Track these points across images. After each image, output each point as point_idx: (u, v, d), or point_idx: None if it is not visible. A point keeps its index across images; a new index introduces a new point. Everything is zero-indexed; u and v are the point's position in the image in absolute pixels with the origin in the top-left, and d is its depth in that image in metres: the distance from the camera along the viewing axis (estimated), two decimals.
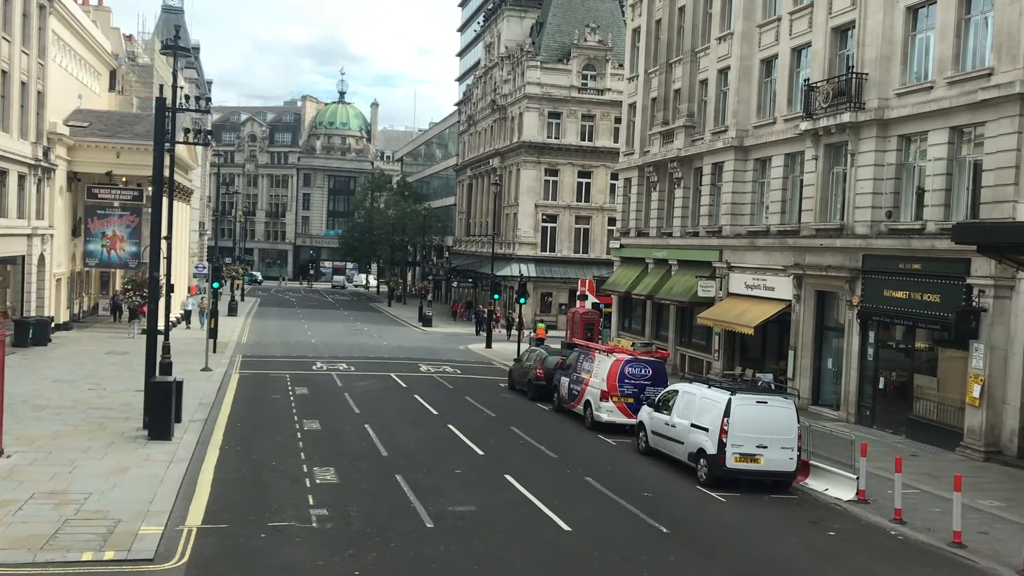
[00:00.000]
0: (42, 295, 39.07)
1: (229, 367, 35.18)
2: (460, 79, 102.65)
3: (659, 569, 13.91)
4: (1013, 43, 22.16)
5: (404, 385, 33.16)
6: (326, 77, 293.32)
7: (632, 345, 28.57)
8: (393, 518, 15.69)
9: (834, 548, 15.60)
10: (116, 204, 43.38)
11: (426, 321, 62.52)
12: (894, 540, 16.25)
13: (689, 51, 39.00)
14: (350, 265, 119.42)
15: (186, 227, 57.05)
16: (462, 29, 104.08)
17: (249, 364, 36.96)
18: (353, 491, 17.45)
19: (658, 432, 21.75)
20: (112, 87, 54.37)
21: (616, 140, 58.05)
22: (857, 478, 18.52)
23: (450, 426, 24.96)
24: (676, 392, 21.64)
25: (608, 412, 25.30)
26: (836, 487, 18.94)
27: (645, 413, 22.68)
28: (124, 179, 43.53)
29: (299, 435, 22.71)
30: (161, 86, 28.48)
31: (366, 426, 24.27)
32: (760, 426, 18.98)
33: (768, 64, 33.76)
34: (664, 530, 15.94)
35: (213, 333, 36.72)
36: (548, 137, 64.91)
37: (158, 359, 22.69)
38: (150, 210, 24.40)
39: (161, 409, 20.33)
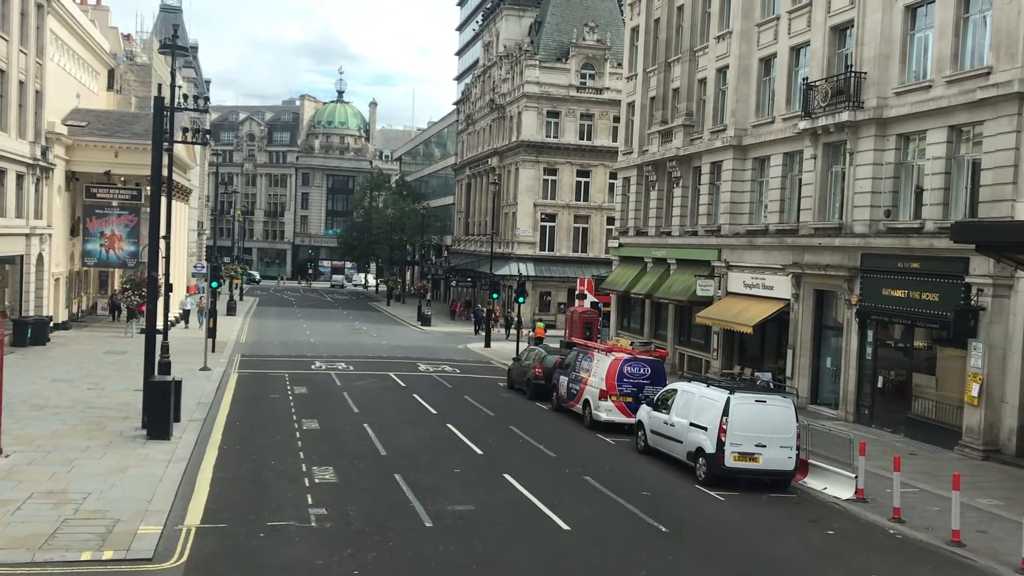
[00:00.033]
0: (40, 295, 39.05)
1: (228, 366, 35.17)
2: (458, 78, 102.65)
3: (658, 568, 13.92)
4: (1012, 42, 22.16)
5: (403, 384, 33.16)
6: (324, 76, 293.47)
7: (631, 344, 28.55)
8: (392, 517, 15.69)
9: (833, 547, 15.61)
10: (114, 203, 43.36)
11: (425, 320, 62.52)
12: (893, 539, 16.26)
13: (688, 50, 39.01)
14: (349, 264, 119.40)
15: (185, 226, 57.04)
16: (460, 28, 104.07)
17: (248, 363, 36.95)
18: (352, 490, 17.45)
19: (657, 431, 21.76)
20: (110, 86, 54.34)
21: (615, 139, 58.06)
22: (856, 477, 18.53)
23: (449, 425, 24.96)
24: (675, 391, 21.64)
25: (607, 411, 25.30)
26: (835, 486, 18.95)
27: (644, 412, 22.69)
28: (122, 178, 43.51)
29: (298, 434, 22.71)
30: (159, 85, 28.41)
31: (365, 425, 24.27)
32: (759, 425, 18.99)
33: (767, 63, 33.77)
34: (663, 529, 15.94)
35: (212, 332, 36.71)
36: (547, 136, 64.91)
37: (157, 358, 22.69)
38: (148, 209, 24.39)
39: (160, 408, 20.32)
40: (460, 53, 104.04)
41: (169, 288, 29.45)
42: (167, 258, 26.41)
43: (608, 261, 52.66)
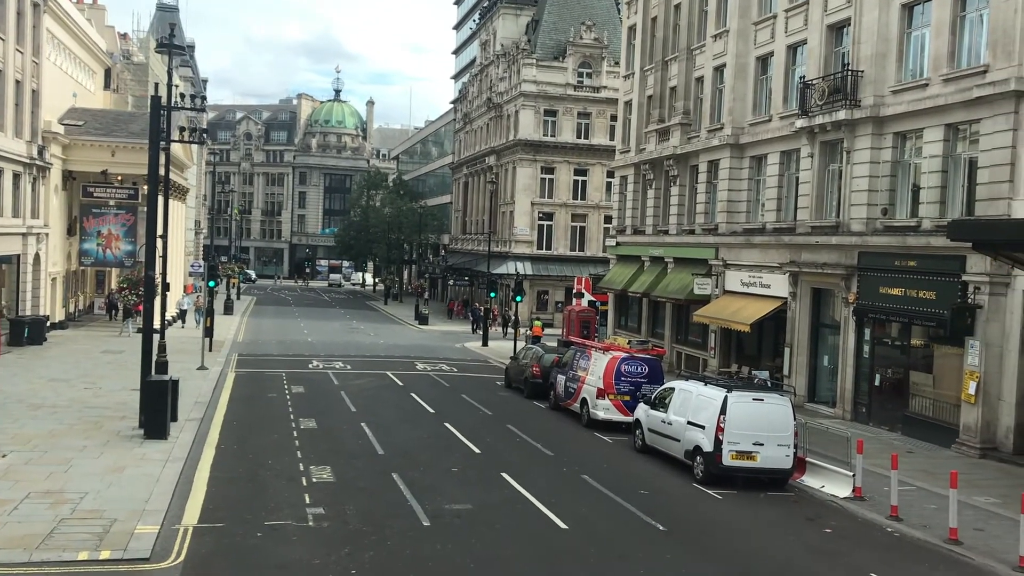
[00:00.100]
0: (37, 294, 39.00)
1: (225, 366, 35.15)
2: (456, 77, 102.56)
3: (655, 566, 13.92)
4: (1008, 40, 22.18)
5: (400, 383, 33.15)
6: (321, 75, 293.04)
7: (628, 343, 28.54)
8: (390, 516, 15.68)
9: (830, 545, 15.62)
10: (111, 203, 43.30)
11: (422, 319, 62.52)
12: (890, 537, 16.28)
13: (685, 48, 39.01)
14: (346, 264, 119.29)
15: (182, 226, 56.99)
16: (458, 27, 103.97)
17: (245, 363, 36.93)
18: (350, 490, 17.44)
19: (654, 430, 21.76)
20: (107, 85, 54.25)
21: (612, 138, 58.04)
22: (853, 475, 18.54)
23: (447, 424, 24.96)
24: (672, 390, 21.64)
25: (604, 410, 25.31)
26: (832, 484, 18.96)
27: (641, 411, 22.70)
28: (119, 178, 43.45)
29: (295, 434, 22.69)
30: (156, 84, 28.40)
31: (362, 424, 24.26)
32: (756, 423, 18.99)
33: (764, 61, 33.77)
34: (660, 528, 15.94)
35: (209, 332, 36.69)
36: (544, 135, 64.90)
37: (154, 358, 22.67)
38: (145, 209, 24.37)
39: (157, 408, 20.31)
40: (457, 52, 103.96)
41: (166, 287, 29.42)
42: (164, 257, 26.40)
43: (605, 260, 52.69)
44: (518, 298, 46.73)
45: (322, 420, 24.73)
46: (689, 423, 20.09)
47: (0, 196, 35.12)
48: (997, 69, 22.44)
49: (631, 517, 16.55)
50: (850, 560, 14.78)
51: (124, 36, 61.77)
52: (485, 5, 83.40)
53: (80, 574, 12.21)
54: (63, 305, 44.47)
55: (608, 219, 56.87)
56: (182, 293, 56.21)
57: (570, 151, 64.62)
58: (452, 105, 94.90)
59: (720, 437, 18.95)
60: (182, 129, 32.45)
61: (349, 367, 37.10)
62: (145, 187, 29.15)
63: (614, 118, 55.73)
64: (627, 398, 25.03)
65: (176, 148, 44.49)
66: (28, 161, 37.26)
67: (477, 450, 21.89)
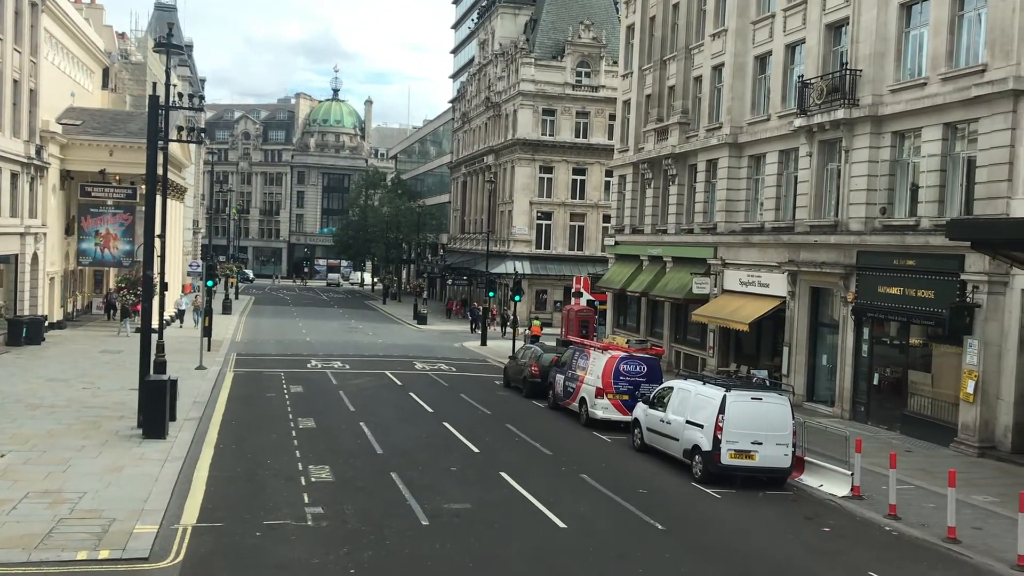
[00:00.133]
0: (35, 294, 38.97)
1: (224, 365, 35.13)
2: (454, 76, 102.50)
3: (654, 566, 13.92)
4: (1007, 39, 22.19)
5: (399, 383, 33.15)
6: (319, 75, 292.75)
7: (627, 342, 28.56)
8: (388, 516, 15.68)
9: (829, 544, 15.63)
10: (109, 202, 43.23)
11: (421, 319, 62.51)
12: (889, 536, 16.29)
13: (683, 48, 39.01)
14: (345, 263, 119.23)
15: (180, 225, 56.95)
16: (456, 26, 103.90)
17: (244, 362, 36.91)
18: (348, 489, 17.44)
19: (653, 429, 21.76)
20: (105, 85, 54.19)
21: (611, 137, 58.04)
22: (852, 474, 18.55)
23: (445, 424, 24.95)
24: (671, 389, 21.65)
25: (603, 409, 25.31)
26: (831, 483, 18.97)
27: (640, 410, 22.70)
28: (117, 177, 43.40)
29: (294, 433, 22.69)
30: (154, 84, 28.36)
31: (361, 424, 24.26)
32: (755, 422, 19.00)
33: (762, 61, 33.78)
34: (659, 527, 15.95)
35: (207, 331, 36.66)
36: (542, 134, 64.90)
37: (152, 357, 22.65)
38: (144, 208, 24.34)
39: (155, 408, 20.29)
40: (455, 51, 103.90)
41: (164, 287, 29.41)
42: (162, 257, 26.37)
43: (604, 259, 52.69)
44: (517, 297, 46.71)
45: (321, 420, 24.72)
46: (688, 422, 20.09)
47: None
48: (995, 68, 22.45)
49: (630, 516, 16.56)
50: (848, 559, 14.79)
51: (122, 35, 61.70)
52: (483, 4, 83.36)
53: (79, 574, 12.20)
54: (61, 305, 44.44)
55: (607, 218, 56.88)
56: (180, 293, 56.17)
57: (568, 150, 64.61)
58: (450, 104, 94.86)
59: (719, 436, 18.96)
60: (180, 129, 32.45)
61: (348, 367, 37.09)
62: (143, 187, 29.11)
63: (612, 117, 55.74)
64: (626, 397, 25.04)
65: (174, 147, 44.47)
66: (26, 161, 37.23)
67: (476, 449, 21.88)
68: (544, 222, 65.02)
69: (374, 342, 48.66)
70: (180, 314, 50.54)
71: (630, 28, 45.68)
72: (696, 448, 19.59)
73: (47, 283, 40.79)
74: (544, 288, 64.40)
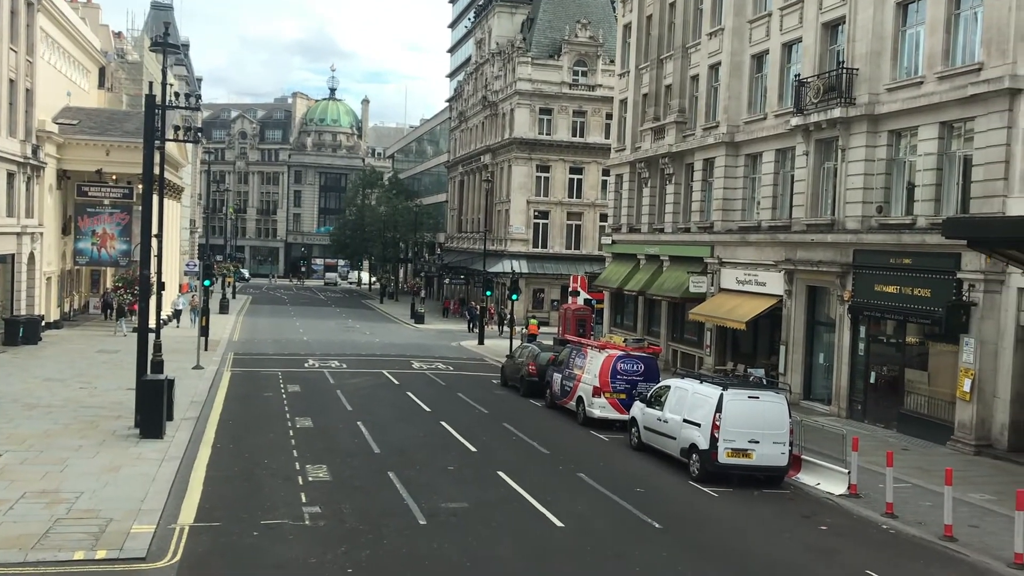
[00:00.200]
0: (32, 294, 38.92)
1: (221, 365, 35.11)
2: (451, 75, 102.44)
3: (651, 565, 13.93)
4: (1003, 38, 22.22)
5: (396, 382, 33.14)
6: (316, 74, 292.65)
7: (624, 341, 28.58)
8: (386, 515, 15.68)
9: (826, 542, 15.65)
10: (106, 202, 43.20)
11: (418, 318, 62.49)
12: (886, 534, 16.32)
13: (680, 47, 39.03)
14: (342, 262, 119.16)
15: (177, 225, 56.88)
16: (453, 25, 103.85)
17: (241, 362, 36.89)
18: (346, 488, 17.43)
19: (650, 428, 21.78)
20: (101, 84, 54.13)
21: (607, 136, 58.07)
22: (849, 472, 18.58)
23: (443, 423, 24.96)
24: (668, 388, 21.66)
25: (600, 408, 25.32)
26: (828, 482, 18.99)
27: (637, 409, 22.72)
28: (114, 177, 43.37)
29: (291, 433, 22.68)
30: (151, 83, 28.35)
31: (359, 423, 24.25)
32: (752, 421, 19.02)
33: (759, 60, 33.80)
34: (656, 525, 15.96)
35: (204, 331, 36.62)
36: (539, 133, 64.90)
37: (149, 357, 22.63)
38: (140, 208, 24.32)
39: (153, 407, 20.27)
40: (452, 50, 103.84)
41: (161, 287, 29.38)
42: (159, 256, 26.34)
43: (601, 258, 52.69)
44: (514, 296, 46.73)
45: (318, 419, 24.72)
46: (685, 421, 20.11)
47: None
48: (991, 67, 22.48)
49: (627, 515, 16.57)
50: (845, 557, 14.81)
51: (118, 35, 61.61)
52: (480, 3, 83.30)
53: (76, 574, 12.19)
54: (58, 305, 44.38)
55: (604, 217, 56.86)
56: (177, 292, 56.11)
57: (565, 149, 64.62)
58: (447, 103, 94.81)
59: (716, 435, 18.98)
60: (177, 128, 32.44)
61: (345, 366, 37.08)
62: (140, 186, 29.10)
63: (609, 116, 55.75)
64: (623, 396, 25.06)
65: (171, 147, 44.39)
66: (22, 160, 37.17)
67: (473, 448, 21.89)
68: (541, 221, 65.02)
69: (371, 341, 48.64)
70: (177, 314, 50.50)
71: (627, 27, 45.69)
72: (693, 447, 19.61)
73: (44, 283, 40.73)
74: (541, 287, 64.41)
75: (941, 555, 15.11)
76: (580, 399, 26.28)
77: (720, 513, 17.28)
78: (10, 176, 36.44)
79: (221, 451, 20.24)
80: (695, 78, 38.10)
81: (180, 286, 59.25)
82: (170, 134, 29.67)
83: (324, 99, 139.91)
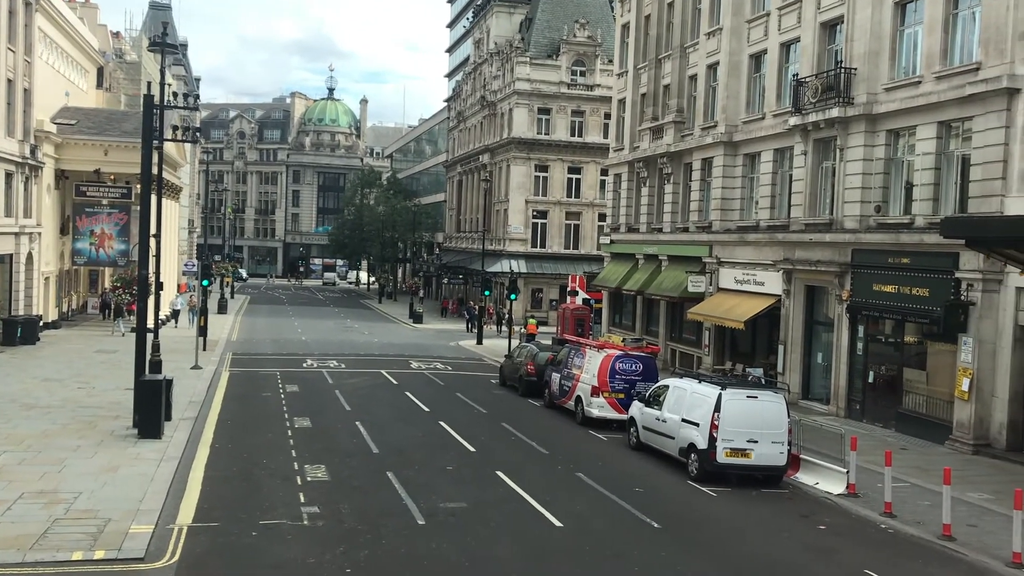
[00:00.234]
0: (30, 294, 38.89)
1: (219, 365, 35.09)
2: (449, 75, 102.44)
3: (650, 564, 13.94)
4: (1001, 37, 22.24)
5: (395, 382, 33.13)
6: (315, 74, 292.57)
7: (623, 341, 28.57)
8: (384, 515, 15.68)
9: (825, 542, 15.66)
10: (104, 202, 43.17)
11: (417, 318, 62.46)
12: (884, 533, 16.33)
13: (678, 47, 39.03)
14: (340, 262, 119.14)
15: (175, 225, 56.83)
16: (451, 25, 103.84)
17: (239, 362, 36.87)
18: (344, 488, 17.43)
19: (649, 427, 21.78)
20: (100, 84, 54.09)
21: (606, 136, 58.09)
22: (847, 472, 18.59)
23: (441, 423, 24.95)
24: (667, 387, 21.67)
25: (599, 408, 25.33)
26: (826, 481, 19.00)
27: (636, 408, 22.72)
28: (112, 177, 43.33)
29: (290, 433, 22.67)
30: (149, 83, 28.31)
31: (357, 423, 24.25)
32: (750, 421, 19.03)
33: (757, 59, 33.81)
34: (655, 525, 15.96)
35: (203, 331, 36.58)
36: (538, 133, 64.90)
37: (148, 357, 22.61)
38: (139, 208, 24.30)
39: (151, 407, 20.26)
40: (451, 50, 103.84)
41: (160, 287, 29.35)
42: (157, 256, 26.31)
43: (600, 258, 52.70)
44: (512, 296, 46.72)
45: (317, 419, 24.71)
46: (683, 421, 20.11)
47: None
48: (989, 66, 22.50)
49: (626, 515, 16.57)
50: (844, 557, 14.82)
51: (117, 35, 61.57)
52: (478, 3, 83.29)
53: (74, 574, 12.18)
54: (56, 305, 44.34)
55: (602, 217, 56.86)
56: (175, 292, 56.07)
57: (564, 149, 64.63)
58: (446, 103, 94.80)
59: (714, 434, 18.98)
60: (175, 128, 32.33)
61: (343, 366, 37.07)
62: (138, 186, 29.10)
63: (608, 116, 55.75)
64: (621, 396, 25.06)
65: (169, 147, 44.37)
66: (20, 160, 37.14)
67: (472, 448, 21.89)
68: (540, 221, 65.03)
69: (370, 341, 48.62)
70: (175, 314, 50.48)
71: (625, 27, 45.69)
72: (692, 446, 19.61)
73: (42, 283, 40.70)
74: (540, 287, 64.42)
75: (939, 554, 15.12)
76: (579, 399, 26.28)
77: (719, 512, 17.28)
78: (8, 176, 36.41)
79: (219, 451, 20.23)
80: (693, 78, 38.10)
81: (178, 286, 59.21)
82: (168, 134, 29.62)
83: (322, 99, 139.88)
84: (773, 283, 31.37)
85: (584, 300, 46.57)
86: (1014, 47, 21.90)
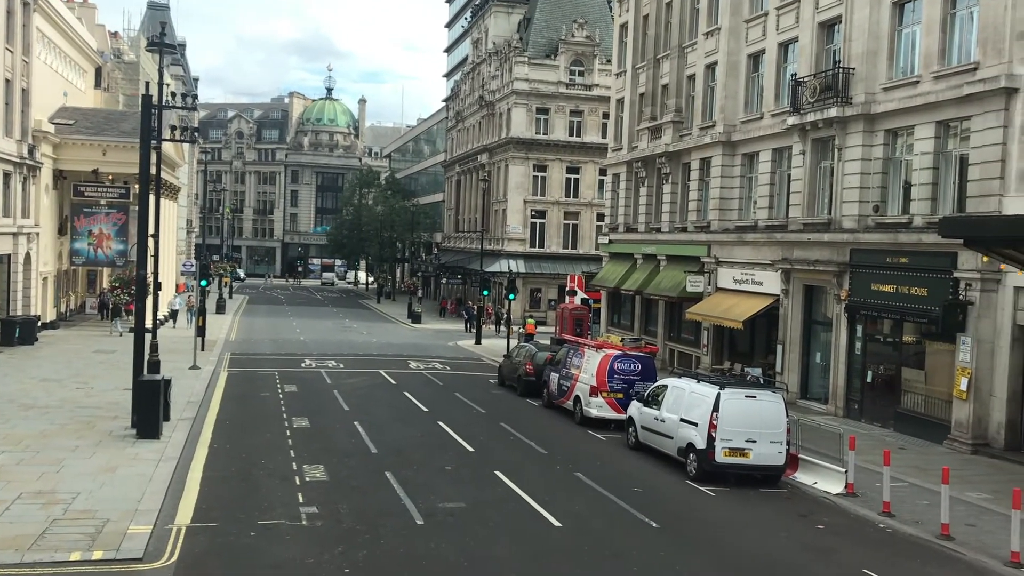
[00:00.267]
0: (28, 294, 38.86)
1: (218, 365, 35.07)
2: (448, 75, 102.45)
3: (649, 564, 13.93)
4: (999, 37, 22.26)
5: (394, 382, 33.12)
6: (313, 74, 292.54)
7: (621, 340, 28.58)
8: (383, 515, 15.67)
9: (823, 541, 15.67)
10: (102, 202, 43.15)
11: (415, 318, 62.45)
12: (883, 533, 16.33)
13: (676, 46, 39.03)
14: (339, 262, 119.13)
15: (173, 225, 56.83)
16: (449, 25, 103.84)
17: (238, 362, 36.85)
18: (343, 488, 17.42)
19: (647, 427, 21.79)
20: (98, 84, 54.06)
21: (604, 136, 58.08)
22: (846, 471, 18.60)
23: (440, 423, 24.95)
24: (665, 387, 21.68)
25: (598, 407, 25.33)
26: (825, 481, 19.01)
27: (634, 408, 22.73)
28: (110, 177, 43.31)
29: (288, 433, 22.66)
30: (147, 83, 28.30)
31: (356, 423, 24.24)
32: (749, 420, 19.04)
33: (755, 59, 33.82)
34: (654, 525, 15.96)
35: (201, 331, 36.56)
36: (536, 133, 64.91)
37: (146, 357, 22.60)
38: (137, 208, 24.28)
39: (149, 407, 20.24)
40: (449, 50, 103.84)
41: (158, 287, 29.33)
42: (156, 256, 26.29)
43: (598, 258, 52.70)
44: (511, 296, 46.72)
45: (315, 419, 24.69)
46: (682, 420, 20.12)
47: None
48: (987, 66, 22.52)
49: (624, 514, 16.58)
50: (843, 556, 14.83)
51: (115, 35, 61.58)
52: (477, 3, 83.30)
53: (73, 574, 12.17)
54: (54, 305, 44.31)
55: (601, 217, 56.88)
56: (174, 292, 56.05)
57: (562, 149, 64.64)
58: (444, 103, 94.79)
59: (713, 434, 18.99)
60: (173, 128, 32.32)
61: (342, 366, 37.06)
62: (136, 186, 29.09)
63: (606, 116, 55.76)
64: (620, 396, 25.06)
65: (167, 147, 44.38)
66: (18, 160, 37.11)
67: (470, 448, 21.88)
68: (538, 221, 65.04)
69: (368, 341, 48.61)
70: (174, 314, 50.46)
71: (623, 27, 45.69)
72: (690, 446, 19.62)
73: (40, 283, 40.67)
74: (538, 287, 64.43)
75: (938, 554, 15.13)
76: (577, 398, 26.29)
77: (717, 512, 17.28)
78: (6, 176, 36.38)
79: (218, 451, 20.22)
80: (692, 78, 38.11)
81: (177, 286, 59.17)
82: (167, 134, 29.60)
83: (321, 99, 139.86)
84: (771, 283, 31.38)
85: (583, 300, 46.58)
86: (1012, 47, 21.92)
